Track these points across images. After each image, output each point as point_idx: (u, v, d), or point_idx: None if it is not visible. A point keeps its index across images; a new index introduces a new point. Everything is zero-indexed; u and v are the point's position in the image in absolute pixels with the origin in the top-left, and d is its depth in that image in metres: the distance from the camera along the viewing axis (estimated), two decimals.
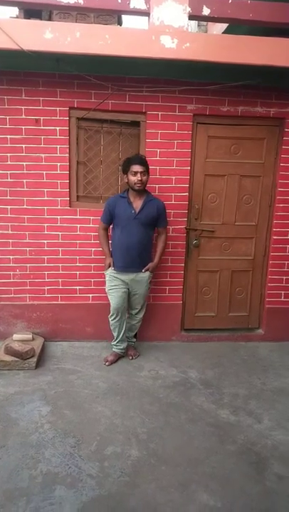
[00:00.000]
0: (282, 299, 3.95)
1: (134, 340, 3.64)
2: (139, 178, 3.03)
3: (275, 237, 3.83)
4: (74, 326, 3.76)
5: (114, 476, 2.15)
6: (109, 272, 3.26)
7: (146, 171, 3.07)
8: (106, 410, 2.74)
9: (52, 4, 2.98)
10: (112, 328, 3.44)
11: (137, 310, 3.44)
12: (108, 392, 2.96)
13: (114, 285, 3.26)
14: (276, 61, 2.99)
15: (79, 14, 3.74)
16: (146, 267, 3.26)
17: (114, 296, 3.28)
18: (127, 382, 3.10)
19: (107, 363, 3.37)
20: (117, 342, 3.46)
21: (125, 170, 3.11)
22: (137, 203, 3.14)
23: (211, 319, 3.99)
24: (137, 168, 3.03)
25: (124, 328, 3.44)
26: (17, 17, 3.90)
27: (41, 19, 3.89)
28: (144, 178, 3.06)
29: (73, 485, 2.07)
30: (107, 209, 3.22)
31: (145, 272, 3.25)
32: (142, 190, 3.13)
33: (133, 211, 3.11)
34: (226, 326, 4.01)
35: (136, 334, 3.63)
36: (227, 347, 3.83)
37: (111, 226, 3.33)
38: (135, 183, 3.05)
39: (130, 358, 3.51)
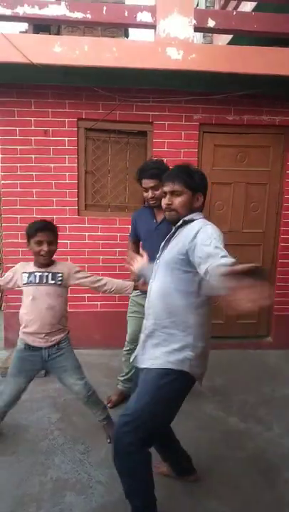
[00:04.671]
0: None
1: None
2: (151, 195, 2.51)
3: (282, 244, 3.83)
4: (82, 334, 3.76)
5: None
6: (132, 296, 2.80)
7: (160, 184, 2.20)
8: (115, 417, 2.71)
9: (61, 19, 3.06)
10: (123, 359, 2.95)
11: None
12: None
13: (133, 311, 2.84)
14: (280, 70, 3.03)
15: (86, 27, 3.84)
16: None
17: (130, 323, 2.86)
18: None
19: (109, 404, 2.82)
20: (125, 378, 2.91)
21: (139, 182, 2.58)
22: (160, 215, 2.55)
23: (219, 327, 3.97)
24: (146, 183, 2.49)
25: None
26: (26, 31, 4.01)
27: (50, 33, 4.00)
28: (158, 192, 2.44)
29: (83, 491, 2.08)
30: (132, 222, 2.82)
31: None
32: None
33: (154, 221, 2.62)
34: (234, 333, 4.00)
35: None
36: (236, 354, 3.81)
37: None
38: (148, 200, 2.57)
39: None
